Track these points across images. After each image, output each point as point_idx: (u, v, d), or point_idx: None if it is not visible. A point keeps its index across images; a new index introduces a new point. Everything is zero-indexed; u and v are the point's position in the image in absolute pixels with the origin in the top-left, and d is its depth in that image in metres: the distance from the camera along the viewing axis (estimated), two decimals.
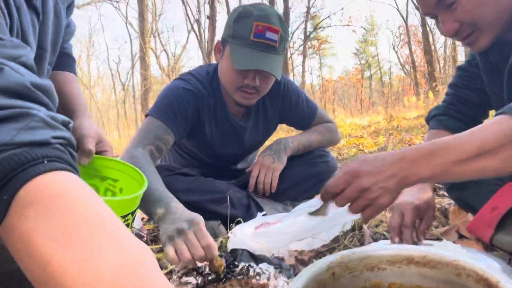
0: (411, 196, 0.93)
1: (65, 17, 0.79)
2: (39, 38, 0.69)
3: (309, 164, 1.48)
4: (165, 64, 18.43)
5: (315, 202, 1.32)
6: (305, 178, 1.46)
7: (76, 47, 20.27)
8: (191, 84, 1.33)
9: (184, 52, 20.86)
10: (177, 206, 0.94)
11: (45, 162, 0.35)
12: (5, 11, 0.51)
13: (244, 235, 1.02)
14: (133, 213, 0.78)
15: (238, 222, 1.22)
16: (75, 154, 0.42)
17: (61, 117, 0.43)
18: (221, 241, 1.12)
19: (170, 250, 0.83)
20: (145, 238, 1.42)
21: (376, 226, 1.20)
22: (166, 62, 18.85)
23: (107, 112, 22.17)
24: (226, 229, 1.25)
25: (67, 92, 0.89)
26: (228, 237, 1.10)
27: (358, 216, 1.14)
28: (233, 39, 1.23)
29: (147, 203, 0.97)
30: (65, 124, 0.43)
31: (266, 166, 1.38)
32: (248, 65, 1.20)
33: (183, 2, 13.39)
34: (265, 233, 1.02)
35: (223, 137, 1.43)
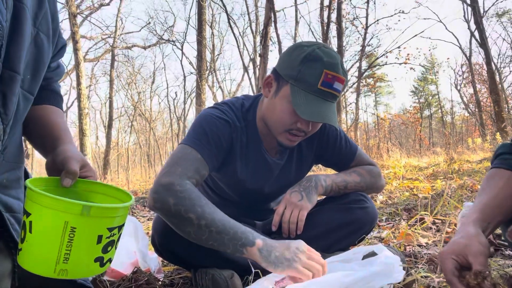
0: (450, 242, 0.81)
1: (49, 52, 0.79)
2: (10, 59, 0.69)
3: (344, 209, 1.30)
4: (220, 100, 19.13)
5: (349, 255, 1.14)
6: (339, 226, 1.28)
7: (140, 84, 21.79)
8: (225, 114, 1.24)
9: (239, 89, 21.52)
10: (269, 239, 1.03)
11: None
12: None
13: None
14: (119, 228, 0.71)
15: (257, 274, 1.06)
16: None
17: None
18: None
19: (303, 270, 0.95)
20: (160, 282, 1.31)
21: None
22: (221, 98, 19.54)
23: (165, 145, 23.22)
24: (242, 280, 1.10)
25: (53, 121, 0.89)
26: None
27: (399, 278, 0.95)
28: (296, 82, 1.13)
29: (234, 236, 1.01)
30: None
31: (293, 203, 1.24)
32: (314, 117, 1.11)
33: (237, 45, 13.91)
34: None
35: (255, 173, 1.31)
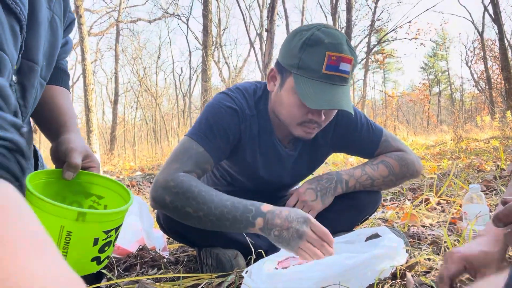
0: (468, 245, 0.75)
1: (61, 34, 0.77)
2: (29, 50, 0.67)
3: (347, 196, 1.25)
4: (226, 76, 18.91)
5: (353, 236, 1.14)
6: (342, 208, 1.25)
7: (146, 59, 21.59)
8: (235, 102, 1.18)
9: (245, 65, 21.27)
10: (271, 210, 1.01)
11: None
12: None
13: (259, 277, 0.87)
14: (116, 229, 0.72)
15: (260, 255, 1.07)
16: (24, 163, 0.36)
17: (12, 118, 0.37)
18: (235, 278, 0.98)
19: (303, 254, 0.96)
20: (165, 259, 1.33)
21: (425, 274, 0.99)
22: (227, 74, 19.34)
23: (171, 121, 23.23)
24: (246, 260, 1.12)
25: (59, 105, 0.88)
26: (242, 271, 0.96)
27: (402, 261, 0.95)
28: (299, 71, 1.06)
29: (234, 220, 1.01)
30: (17, 128, 0.37)
31: (305, 201, 1.20)
32: (323, 104, 1.04)
33: (244, 19, 13.63)
34: (283, 275, 0.86)
35: (267, 163, 1.27)
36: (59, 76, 0.93)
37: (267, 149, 1.25)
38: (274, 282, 0.85)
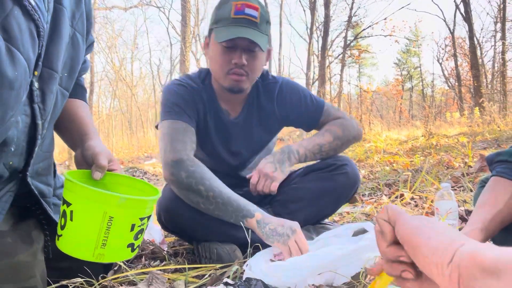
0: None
1: (83, 50, 0.85)
2: (49, 59, 0.76)
3: (325, 178, 1.37)
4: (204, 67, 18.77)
5: (340, 231, 1.27)
6: (323, 194, 1.36)
7: (122, 48, 21.11)
8: (182, 81, 1.37)
9: None
10: (267, 214, 1.17)
11: None
12: None
13: (259, 269, 0.99)
14: (148, 218, 0.80)
15: (256, 248, 1.19)
16: None
17: None
18: (237, 269, 1.09)
19: (290, 249, 1.10)
20: (165, 252, 1.42)
21: None
22: (205, 65, 19.20)
23: (147, 112, 22.90)
24: (243, 254, 1.23)
25: (81, 116, 0.98)
26: (243, 264, 1.07)
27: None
28: (216, 24, 1.27)
29: (237, 208, 1.15)
30: None
31: (265, 174, 1.30)
32: (230, 35, 1.21)
33: None
34: (282, 266, 0.98)
35: (218, 133, 1.41)
36: (78, 91, 1.02)
37: (216, 119, 1.39)
38: (274, 272, 0.97)
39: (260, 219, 1.15)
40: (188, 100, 1.33)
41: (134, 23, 35.88)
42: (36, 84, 0.75)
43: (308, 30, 15.12)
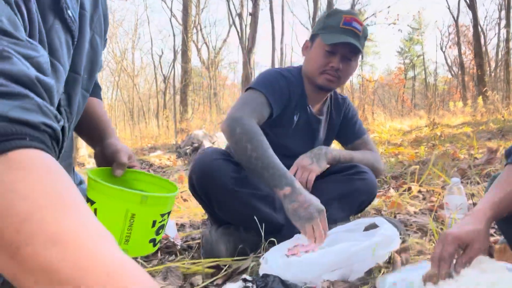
0: (458, 226, 0.87)
1: (101, 51, 0.87)
2: (74, 63, 0.77)
3: (345, 180, 1.43)
4: (205, 57, 18.67)
5: (352, 226, 1.29)
6: (340, 195, 1.41)
7: (122, 37, 20.96)
8: (283, 72, 1.49)
9: (224, 45, 21.02)
10: (300, 188, 1.19)
11: (27, 139, 0.38)
12: (26, 20, 0.53)
13: (275, 263, 1.01)
14: (168, 214, 0.82)
15: (271, 242, 1.21)
16: (57, 149, 0.46)
17: (55, 111, 0.46)
18: (253, 265, 1.12)
19: (307, 232, 1.14)
20: (179, 246, 1.45)
21: (416, 256, 1.16)
22: (206, 55, 19.10)
23: (148, 102, 22.87)
24: (261, 236, 1.24)
25: (99, 114, 1.00)
26: (259, 259, 1.10)
27: (396, 247, 1.11)
28: (323, 30, 1.42)
29: (272, 176, 1.19)
30: (57, 120, 0.46)
31: (303, 166, 1.40)
32: (337, 39, 1.37)
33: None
34: (297, 262, 1.01)
35: (299, 130, 1.51)
36: (94, 89, 1.03)
37: (302, 113, 1.51)
38: (290, 268, 1.00)
39: (288, 193, 1.18)
40: (283, 87, 1.44)
41: (135, 12, 35.60)
42: (62, 88, 0.76)
43: (311, 19, 14.97)
